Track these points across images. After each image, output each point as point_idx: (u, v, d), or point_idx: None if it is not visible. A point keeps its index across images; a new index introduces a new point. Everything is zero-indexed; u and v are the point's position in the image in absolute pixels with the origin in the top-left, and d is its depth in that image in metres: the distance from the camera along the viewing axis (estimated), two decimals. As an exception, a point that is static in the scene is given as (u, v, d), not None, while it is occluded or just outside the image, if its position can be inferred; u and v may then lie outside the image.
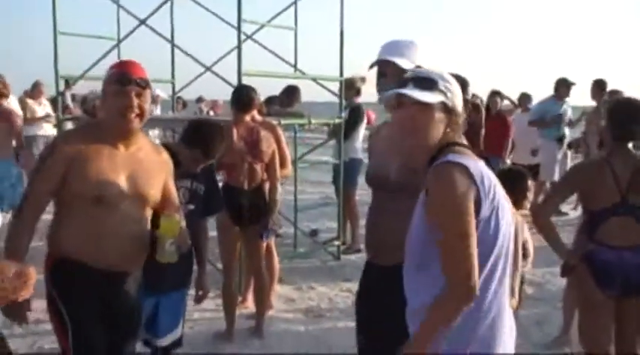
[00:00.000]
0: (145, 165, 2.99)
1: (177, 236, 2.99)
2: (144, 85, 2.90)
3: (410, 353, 2.17)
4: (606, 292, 3.50)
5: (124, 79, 2.86)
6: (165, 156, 3.18)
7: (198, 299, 3.90)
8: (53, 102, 8.93)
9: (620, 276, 3.48)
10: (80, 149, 2.85)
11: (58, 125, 7.56)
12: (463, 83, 2.96)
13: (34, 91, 10.57)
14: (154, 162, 3.07)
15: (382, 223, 2.93)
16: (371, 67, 2.91)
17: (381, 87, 2.89)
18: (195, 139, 3.76)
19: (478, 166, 2.17)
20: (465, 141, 2.30)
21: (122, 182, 2.89)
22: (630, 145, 3.60)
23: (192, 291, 3.89)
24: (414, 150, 2.26)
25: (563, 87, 9.72)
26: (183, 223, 3.11)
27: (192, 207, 3.69)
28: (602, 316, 3.55)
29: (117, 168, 2.89)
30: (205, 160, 3.78)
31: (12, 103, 7.82)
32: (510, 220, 2.27)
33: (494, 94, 9.73)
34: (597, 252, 3.52)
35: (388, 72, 2.83)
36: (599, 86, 9.04)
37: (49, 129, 10.11)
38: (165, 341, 3.72)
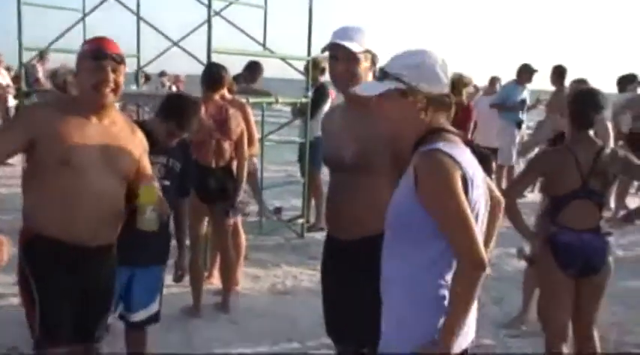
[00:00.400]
0: (117, 139, 3.02)
1: (157, 203, 3.03)
2: (119, 60, 2.94)
3: (444, 347, 2.20)
4: (566, 271, 3.67)
5: (100, 54, 2.89)
6: (140, 134, 3.21)
7: (177, 279, 3.96)
8: (18, 75, 8.81)
9: (580, 257, 3.65)
10: (51, 116, 2.89)
11: (22, 97, 7.45)
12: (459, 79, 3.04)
13: None
14: (128, 138, 3.09)
15: (341, 200, 3.04)
16: (323, 50, 3.02)
17: (332, 68, 3.01)
18: (170, 112, 3.78)
19: (463, 154, 2.27)
20: (448, 127, 2.37)
21: (91, 148, 2.90)
22: (591, 132, 3.74)
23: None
24: (394, 138, 2.38)
25: (525, 73, 9.90)
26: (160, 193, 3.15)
27: (167, 183, 3.70)
28: (562, 295, 3.72)
29: (87, 136, 2.91)
30: (180, 133, 3.78)
31: None
32: (486, 205, 2.38)
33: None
34: (559, 234, 3.69)
35: (339, 55, 2.94)
36: (559, 72, 9.25)
37: (10, 100, 9.95)
38: (138, 316, 3.74)
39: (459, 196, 2.17)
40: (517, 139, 9.96)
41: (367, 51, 2.94)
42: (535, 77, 9.99)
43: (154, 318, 3.82)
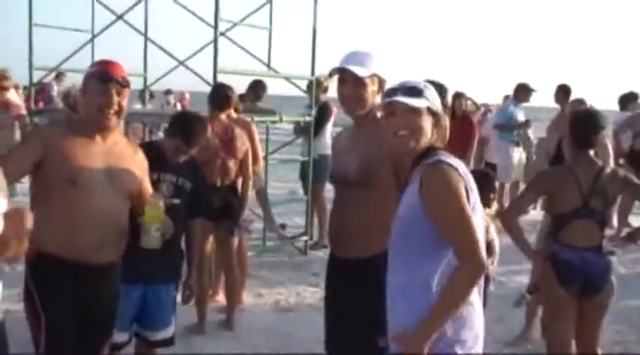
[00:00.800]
0: (121, 158, 3.10)
1: (162, 222, 3.09)
2: (124, 83, 3.02)
3: (421, 334, 2.32)
4: (568, 290, 3.71)
5: (106, 77, 2.98)
6: (141, 155, 3.29)
7: (186, 300, 4.02)
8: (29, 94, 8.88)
9: (581, 275, 3.70)
10: (58, 136, 2.97)
11: (32, 116, 7.53)
12: (442, 89, 3.20)
13: None
14: (130, 158, 3.17)
15: (343, 217, 3.13)
16: (331, 74, 3.15)
17: (340, 92, 3.14)
18: (177, 129, 3.85)
19: (462, 166, 2.43)
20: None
21: (97, 167, 2.98)
22: (592, 153, 3.80)
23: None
24: (405, 151, 2.49)
25: (523, 92, 10.01)
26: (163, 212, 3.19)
27: (176, 201, 3.75)
28: (565, 313, 3.76)
29: (92, 155, 2.99)
30: (187, 149, 3.83)
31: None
32: (483, 216, 2.52)
33: (459, 96, 9.95)
34: (561, 252, 3.74)
35: (347, 79, 3.06)
36: (564, 91, 9.32)
37: None
38: (156, 336, 3.80)
39: (465, 201, 2.33)
40: (515, 158, 10.03)
41: (374, 75, 3.05)
42: (536, 95, 10.09)
43: (170, 341, 3.89)
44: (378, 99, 3.07)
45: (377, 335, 2.87)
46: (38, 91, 9.56)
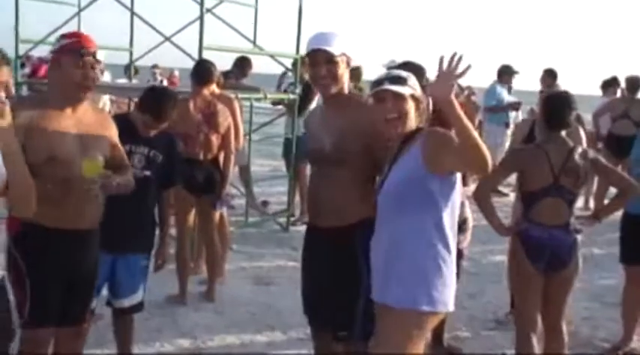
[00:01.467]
0: (91, 126, 3.17)
1: (100, 175, 3.02)
2: (98, 58, 3.09)
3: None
4: (536, 265, 3.84)
5: (83, 51, 3.02)
6: (106, 114, 3.39)
7: (157, 268, 4.09)
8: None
9: (548, 251, 3.82)
10: (32, 116, 2.99)
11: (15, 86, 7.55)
12: (420, 70, 3.36)
13: None
14: (100, 124, 3.24)
15: (320, 190, 3.30)
16: (304, 57, 3.31)
17: (314, 73, 3.27)
18: (146, 105, 3.91)
19: None
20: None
21: (72, 141, 3.05)
22: (563, 133, 3.92)
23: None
24: (395, 132, 2.89)
25: (506, 74, 10.15)
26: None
27: (148, 173, 3.81)
28: (533, 288, 3.89)
29: (66, 129, 3.06)
30: (156, 124, 3.89)
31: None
32: (461, 194, 2.92)
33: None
34: (530, 229, 3.86)
35: (319, 59, 3.19)
36: (551, 75, 9.46)
37: None
38: (123, 303, 3.88)
39: None
40: (505, 140, 10.14)
41: (343, 54, 3.19)
42: (522, 78, 10.28)
43: (138, 307, 3.96)
44: (346, 76, 3.25)
45: (352, 295, 3.13)
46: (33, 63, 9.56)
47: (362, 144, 3.13)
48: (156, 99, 3.93)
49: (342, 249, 3.18)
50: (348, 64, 3.23)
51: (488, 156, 2.59)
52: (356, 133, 3.12)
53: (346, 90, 3.28)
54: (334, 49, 3.15)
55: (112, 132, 3.33)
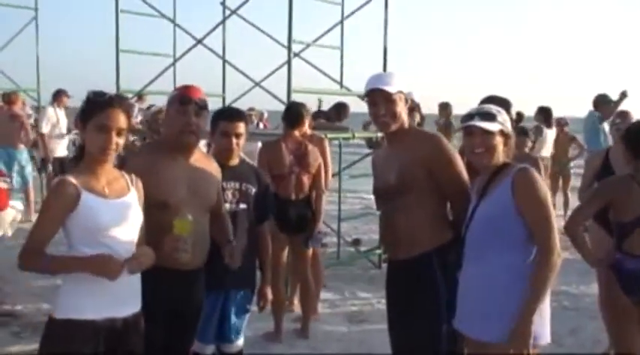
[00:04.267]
0: (201, 174, 3.34)
1: (190, 234, 3.06)
2: (202, 105, 3.27)
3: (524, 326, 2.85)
4: (630, 298, 3.74)
5: (185, 99, 3.23)
6: (216, 165, 3.52)
7: (261, 307, 4.14)
8: None
9: None
10: (145, 162, 3.19)
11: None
12: (507, 104, 3.45)
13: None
14: (209, 172, 3.42)
15: (389, 222, 3.42)
16: (363, 97, 3.45)
17: (373, 112, 3.42)
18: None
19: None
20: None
21: (184, 189, 3.23)
22: None
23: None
24: (481, 165, 3.07)
25: (602, 104, 9.79)
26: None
27: (243, 206, 3.87)
28: (629, 321, 3.78)
29: (177, 176, 3.23)
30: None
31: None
32: None
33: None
34: (624, 261, 3.76)
35: (378, 99, 3.35)
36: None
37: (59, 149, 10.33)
38: (232, 348, 3.93)
39: (550, 201, 2.95)
40: None
41: (399, 91, 3.35)
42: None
43: (240, 353, 4.02)
44: (405, 113, 3.40)
45: (425, 326, 3.24)
46: None
47: (424, 171, 3.26)
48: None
49: (415, 280, 3.29)
50: (405, 100, 3.39)
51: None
52: (417, 161, 3.26)
53: (406, 126, 3.42)
54: (391, 88, 3.31)
55: (218, 179, 3.50)
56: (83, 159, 2.80)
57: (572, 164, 11.50)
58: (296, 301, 6.03)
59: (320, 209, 5.56)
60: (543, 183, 2.98)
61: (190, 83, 3.40)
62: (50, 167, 9.88)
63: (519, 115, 11.17)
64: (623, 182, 3.82)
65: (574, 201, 8.19)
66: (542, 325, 2.97)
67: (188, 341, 3.47)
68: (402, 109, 3.36)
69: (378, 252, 7.96)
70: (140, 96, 9.77)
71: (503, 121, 3.03)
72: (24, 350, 4.78)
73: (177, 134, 3.23)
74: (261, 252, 4.11)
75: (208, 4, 9.61)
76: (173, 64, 8.17)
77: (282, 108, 5.98)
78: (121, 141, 2.75)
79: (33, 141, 9.95)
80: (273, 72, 7.87)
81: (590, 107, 9.94)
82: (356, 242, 8.78)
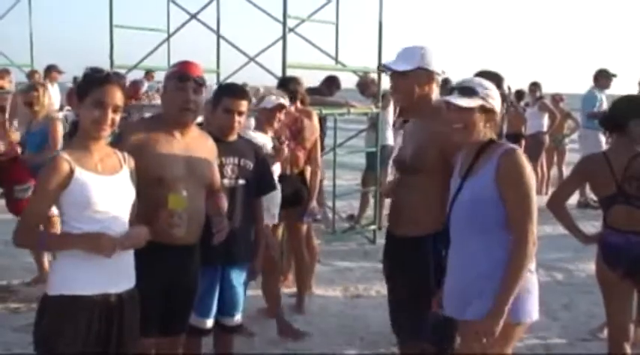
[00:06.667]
0: (197, 151, 3.35)
1: (184, 209, 3.06)
2: (201, 82, 3.26)
3: (499, 310, 2.79)
4: (615, 272, 3.74)
5: (184, 76, 3.22)
6: (211, 141, 3.52)
7: (251, 277, 4.10)
8: None
9: (625, 257, 3.71)
10: (142, 138, 3.19)
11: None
12: (498, 79, 3.39)
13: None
14: (205, 149, 3.42)
15: (400, 198, 3.45)
16: (379, 70, 3.45)
17: (392, 87, 3.49)
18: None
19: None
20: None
21: (180, 165, 3.23)
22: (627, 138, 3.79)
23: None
24: (459, 141, 2.98)
25: (603, 78, 9.88)
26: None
27: (243, 181, 3.82)
28: (618, 296, 3.79)
29: (174, 152, 3.24)
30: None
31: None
32: None
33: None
34: (607, 235, 3.80)
35: (392, 75, 3.39)
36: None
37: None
38: (232, 321, 3.92)
39: (533, 185, 2.85)
40: (600, 146, 9.78)
41: (419, 68, 3.29)
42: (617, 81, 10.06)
43: (240, 327, 4.04)
44: (435, 89, 3.35)
45: (420, 304, 3.22)
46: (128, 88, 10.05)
47: (438, 152, 3.23)
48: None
49: (415, 260, 3.30)
50: (430, 77, 3.33)
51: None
52: (433, 142, 3.23)
53: (433, 101, 3.36)
54: (405, 65, 3.28)
55: (214, 155, 3.49)
56: (77, 135, 2.80)
57: (566, 140, 11.66)
58: (290, 277, 6.03)
59: (315, 184, 5.55)
60: (529, 167, 2.88)
61: (185, 59, 3.38)
62: None
63: (519, 93, 11.26)
64: (597, 159, 3.83)
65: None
66: (531, 303, 2.91)
67: (184, 316, 3.48)
68: (416, 87, 3.30)
69: (373, 227, 7.98)
70: (148, 72, 9.74)
71: (485, 96, 2.88)
72: (21, 325, 4.79)
73: (176, 111, 3.22)
74: (255, 224, 4.03)
75: (202, -22, 9.48)
76: (167, 40, 8.12)
77: (276, 83, 5.95)
78: (117, 117, 2.76)
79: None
80: (267, 47, 7.81)
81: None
82: (350, 218, 8.80)
